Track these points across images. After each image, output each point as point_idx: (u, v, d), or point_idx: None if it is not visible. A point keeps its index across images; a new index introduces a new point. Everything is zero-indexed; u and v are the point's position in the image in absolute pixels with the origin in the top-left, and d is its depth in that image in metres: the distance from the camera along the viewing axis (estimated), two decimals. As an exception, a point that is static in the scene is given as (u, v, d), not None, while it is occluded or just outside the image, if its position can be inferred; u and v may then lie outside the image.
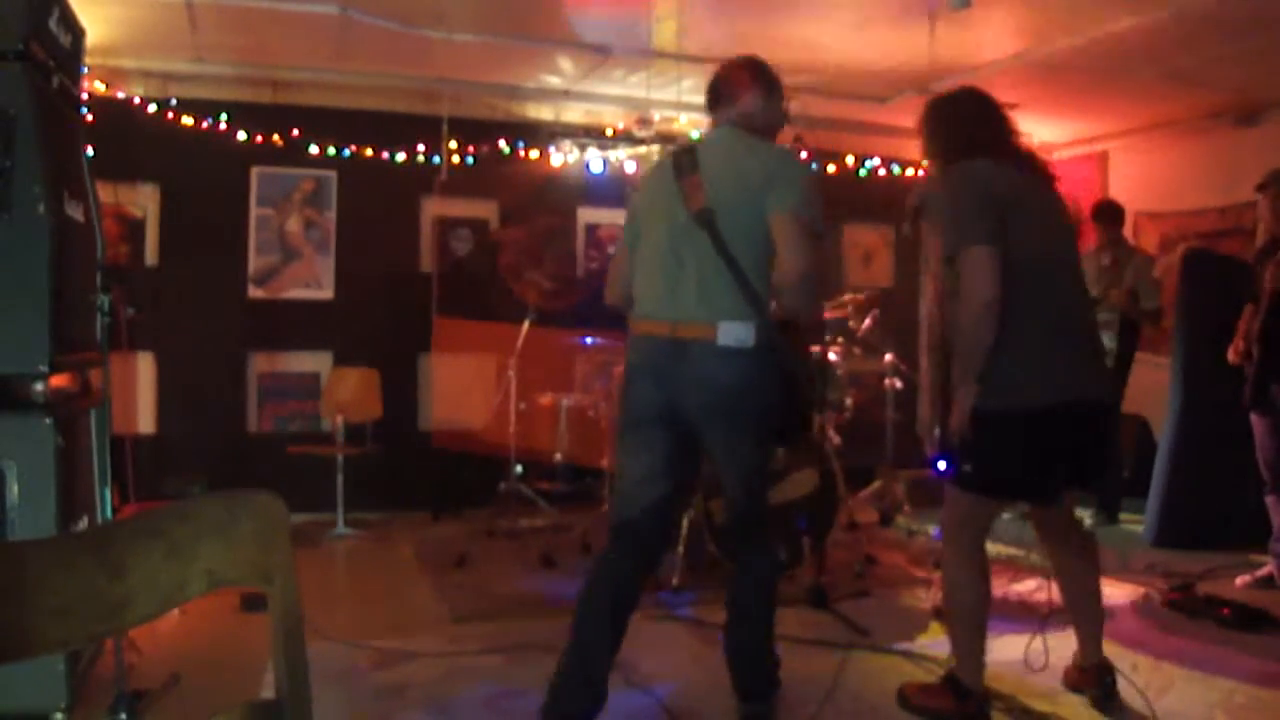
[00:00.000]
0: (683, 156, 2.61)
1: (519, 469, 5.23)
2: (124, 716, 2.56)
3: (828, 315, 5.15)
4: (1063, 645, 3.13)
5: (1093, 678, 2.84)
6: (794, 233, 2.45)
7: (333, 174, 5.77)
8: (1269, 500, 4.04)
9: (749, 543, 2.71)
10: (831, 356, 4.68)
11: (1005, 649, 3.19)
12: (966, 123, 2.77)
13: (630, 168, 6.08)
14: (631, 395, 2.64)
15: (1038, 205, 2.67)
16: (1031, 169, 2.75)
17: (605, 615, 2.55)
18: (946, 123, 2.82)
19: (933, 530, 5.30)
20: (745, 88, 2.67)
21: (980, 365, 2.54)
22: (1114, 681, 2.82)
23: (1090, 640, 2.86)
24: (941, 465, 6.73)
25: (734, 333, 2.45)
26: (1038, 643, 3.03)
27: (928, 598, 3.95)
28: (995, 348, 2.52)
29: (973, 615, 2.73)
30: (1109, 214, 5.34)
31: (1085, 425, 2.65)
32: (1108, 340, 5.13)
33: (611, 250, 6.45)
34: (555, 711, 2.51)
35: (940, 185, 2.73)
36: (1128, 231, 5.57)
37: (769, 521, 2.76)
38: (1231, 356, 4.17)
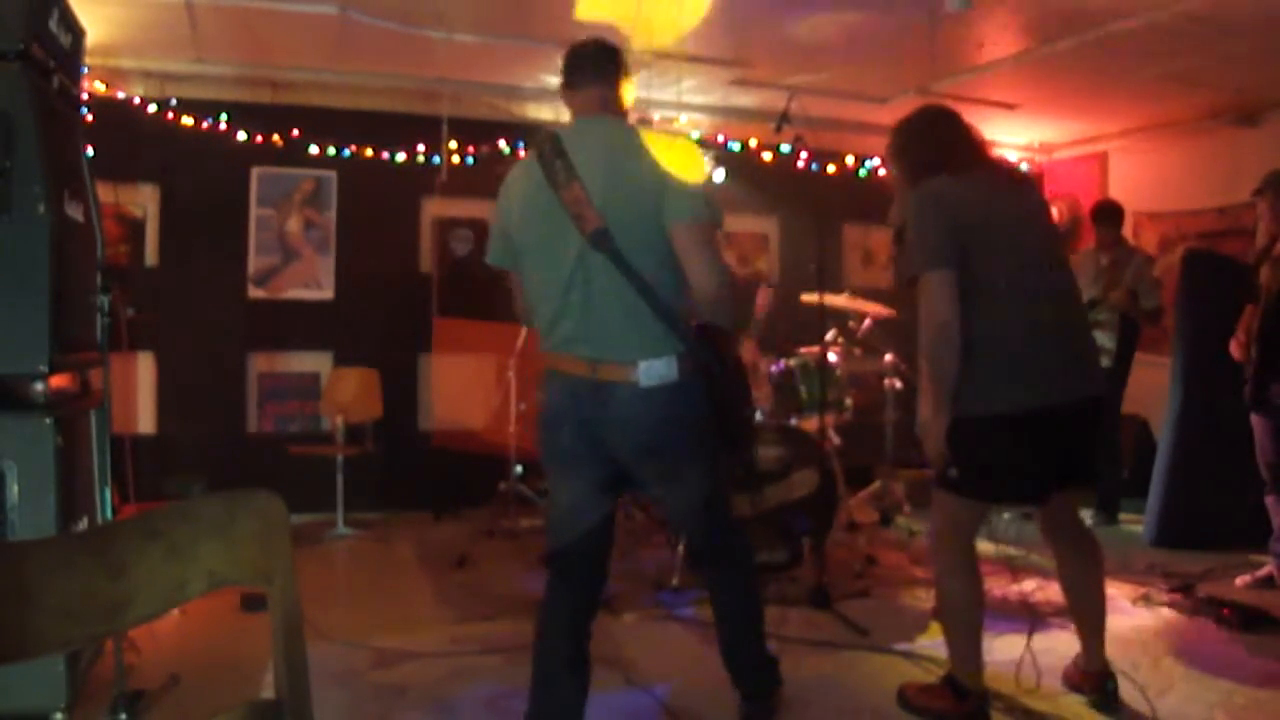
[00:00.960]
0: (552, 160, 2.28)
1: (519, 469, 5.23)
2: (124, 716, 2.57)
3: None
4: (1063, 645, 3.13)
5: (1095, 682, 2.84)
6: (698, 244, 2.26)
7: (333, 174, 5.76)
8: (1269, 500, 4.04)
9: (722, 560, 2.65)
10: (831, 357, 4.68)
11: (1005, 649, 3.19)
12: (926, 142, 2.77)
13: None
14: (553, 435, 2.42)
15: (1009, 213, 2.66)
16: (1000, 178, 2.76)
17: (560, 654, 2.44)
18: (907, 145, 2.81)
19: (933, 530, 5.31)
20: (618, 64, 2.43)
21: (947, 394, 2.56)
22: (1115, 687, 2.82)
23: (1093, 644, 2.85)
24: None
25: (656, 371, 2.28)
26: (1034, 643, 3.03)
27: (928, 598, 3.95)
28: (976, 354, 2.53)
29: (966, 617, 2.73)
30: (1108, 214, 5.34)
31: (1072, 427, 2.66)
32: (1107, 340, 5.14)
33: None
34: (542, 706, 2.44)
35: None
36: (1127, 231, 5.57)
37: (741, 527, 2.72)
38: (1234, 350, 4.17)
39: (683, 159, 2.31)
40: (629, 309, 2.26)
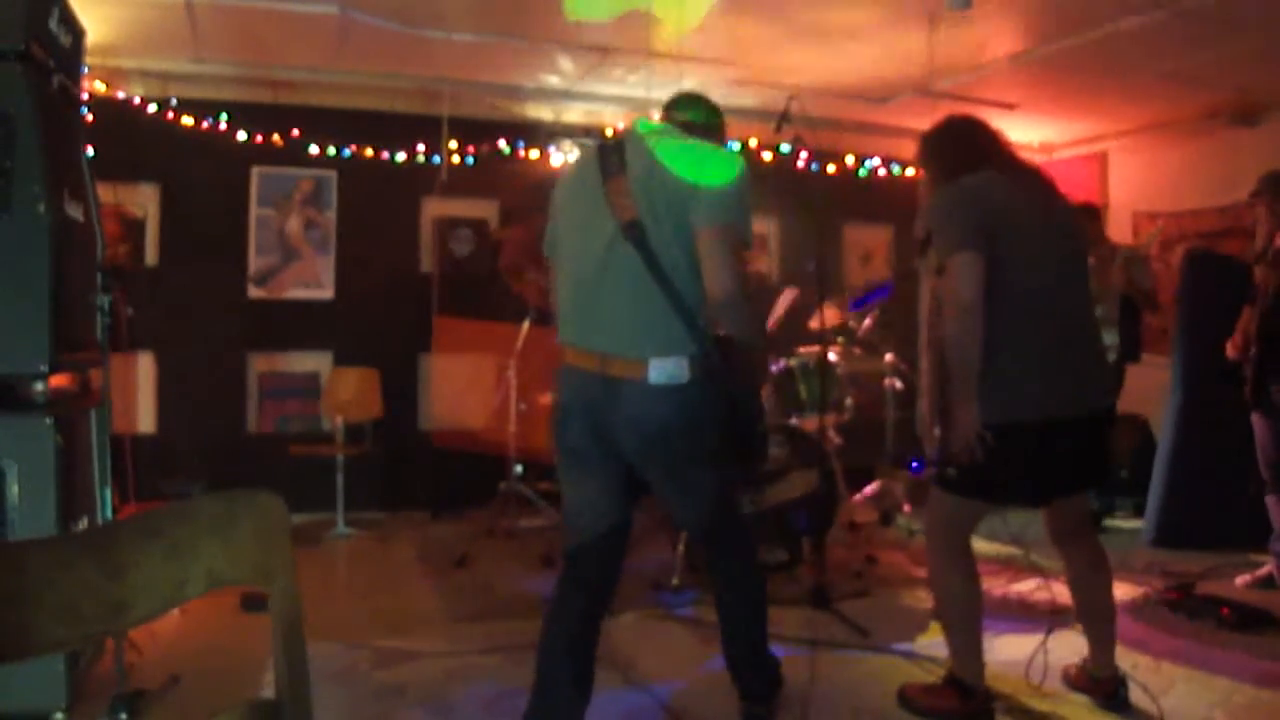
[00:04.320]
0: (610, 153, 2.37)
1: (519, 469, 5.23)
2: (124, 716, 2.57)
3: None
4: (1063, 645, 3.13)
5: (1107, 688, 2.84)
6: (717, 248, 2.27)
7: (333, 174, 5.76)
8: (1269, 500, 4.03)
9: (727, 560, 2.65)
10: (831, 356, 4.68)
11: (1005, 649, 3.19)
12: (958, 146, 2.78)
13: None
14: (565, 430, 2.44)
15: (1036, 217, 2.66)
16: (1031, 182, 2.75)
17: (564, 656, 2.43)
18: (940, 148, 2.83)
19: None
20: (704, 108, 2.66)
21: (974, 380, 2.51)
22: (1127, 693, 2.83)
23: (1102, 649, 2.85)
24: (915, 465, 6.72)
25: (665, 370, 2.27)
26: (1034, 643, 3.03)
27: (928, 598, 3.95)
28: (991, 359, 2.51)
29: (966, 616, 2.73)
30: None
31: (1084, 436, 2.65)
32: (1108, 338, 5.13)
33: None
34: (545, 700, 2.43)
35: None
36: (1128, 231, 5.57)
37: (747, 529, 2.71)
38: (1230, 351, 4.17)
39: (724, 169, 2.34)
40: (646, 305, 2.28)
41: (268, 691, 2.24)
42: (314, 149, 5.62)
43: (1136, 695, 2.85)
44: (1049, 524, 2.93)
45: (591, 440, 2.39)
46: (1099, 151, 6.79)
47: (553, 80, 5.72)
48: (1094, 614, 2.86)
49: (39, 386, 2.65)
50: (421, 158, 5.78)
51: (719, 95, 5.86)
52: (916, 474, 5.87)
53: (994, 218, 2.56)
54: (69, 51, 2.98)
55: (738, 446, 2.46)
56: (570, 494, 2.51)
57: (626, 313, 2.31)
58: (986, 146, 2.76)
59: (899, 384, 5.99)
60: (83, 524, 2.83)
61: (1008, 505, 2.80)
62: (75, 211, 2.88)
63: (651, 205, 2.29)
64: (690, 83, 5.51)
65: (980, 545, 2.83)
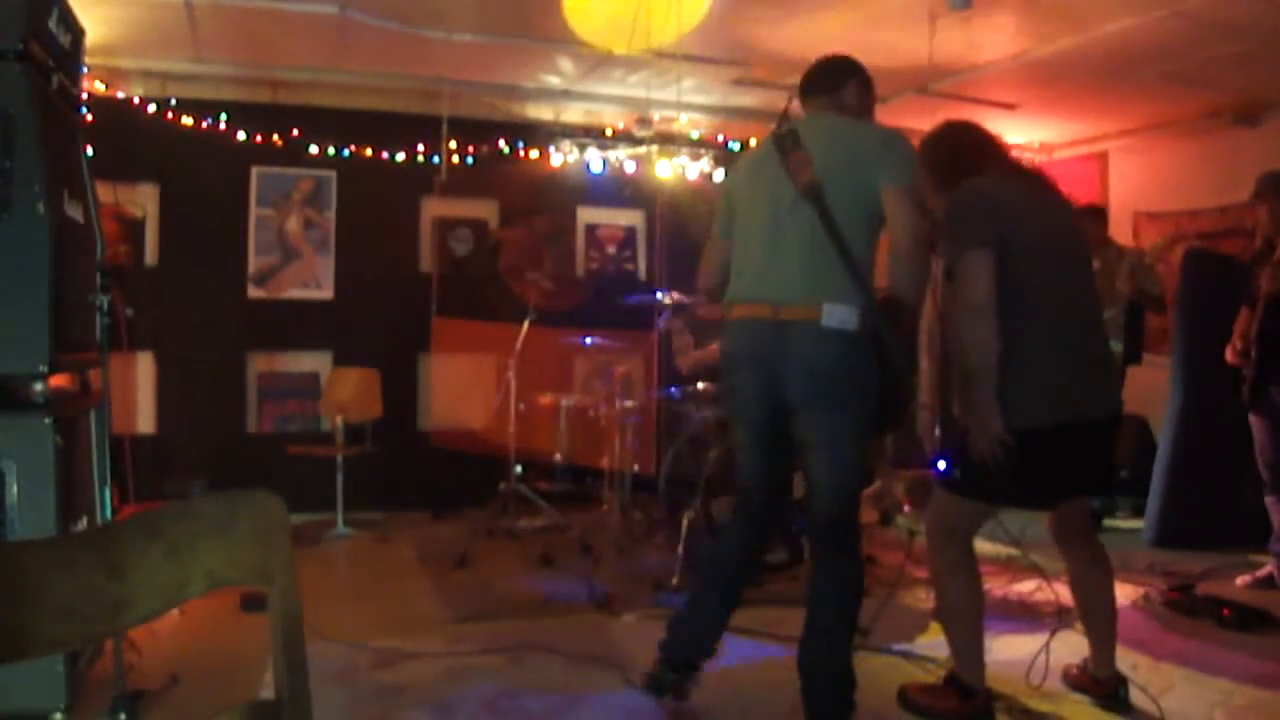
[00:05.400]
0: (785, 137, 2.58)
1: (519, 469, 5.23)
2: (123, 716, 2.56)
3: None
4: (1063, 645, 3.13)
5: (1107, 689, 2.84)
6: (908, 205, 2.45)
7: (332, 174, 5.76)
8: (1269, 500, 4.04)
9: (834, 544, 2.60)
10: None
11: (1005, 649, 3.19)
12: (963, 149, 2.79)
13: (630, 168, 6.08)
14: (733, 382, 2.66)
15: (1042, 219, 2.66)
16: (1033, 184, 2.75)
17: (718, 578, 2.78)
18: (939, 152, 2.82)
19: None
20: (844, 77, 2.72)
21: (993, 381, 2.50)
22: (1127, 693, 2.83)
23: (1103, 649, 2.85)
24: (941, 465, 6.73)
25: (838, 314, 2.42)
26: (1035, 643, 3.03)
27: (928, 598, 3.95)
28: (1002, 364, 2.49)
29: (967, 615, 2.73)
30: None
31: (1091, 441, 2.66)
32: (1114, 344, 5.12)
33: (611, 250, 6.46)
34: (669, 650, 2.78)
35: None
36: (1129, 231, 5.57)
37: (860, 533, 2.68)
38: (1229, 356, 4.17)
39: (906, 145, 2.55)
40: (821, 256, 2.44)
41: (268, 691, 2.24)
42: (314, 149, 5.62)
43: (1136, 695, 2.85)
44: (1052, 524, 2.93)
45: (757, 387, 2.57)
46: (1099, 151, 6.79)
47: (553, 80, 5.73)
48: (1095, 614, 2.85)
49: (39, 386, 2.65)
50: (421, 158, 5.78)
51: (719, 95, 5.93)
52: (942, 475, 5.89)
53: (1003, 219, 2.56)
54: (68, 51, 2.98)
55: (885, 402, 2.53)
56: (737, 438, 2.77)
57: (801, 264, 2.48)
58: (985, 151, 2.77)
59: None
60: (83, 524, 2.83)
61: (1011, 506, 2.79)
62: (75, 211, 2.87)
63: (829, 171, 2.47)
64: (690, 83, 5.53)
65: (980, 545, 2.82)
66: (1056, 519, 2.90)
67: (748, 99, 5.89)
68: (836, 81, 2.72)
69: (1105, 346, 2.81)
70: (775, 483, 2.78)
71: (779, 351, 2.48)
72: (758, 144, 2.85)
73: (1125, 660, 2.89)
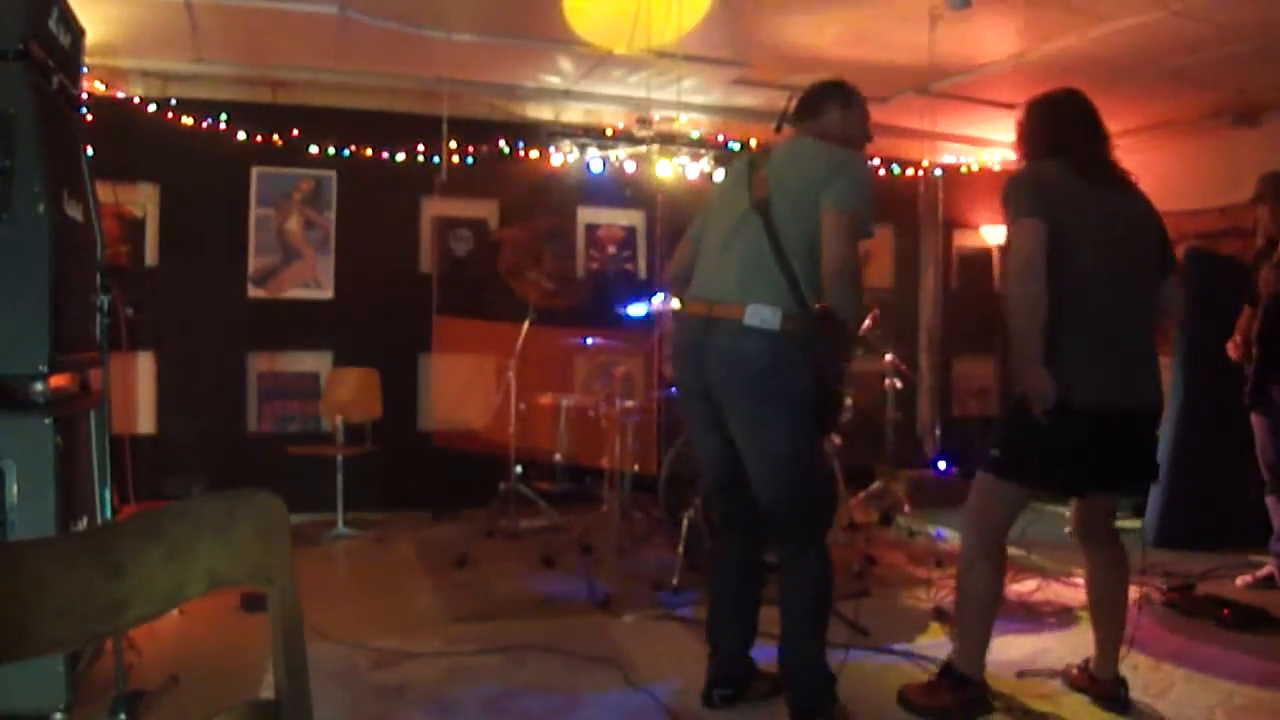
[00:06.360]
0: (758, 155, 2.83)
1: (519, 469, 5.23)
2: (123, 716, 2.56)
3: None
4: (1063, 645, 3.13)
5: (1108, 689, 2.84)
6: (839, 228, 2.57)
7: (332, 174, 5.76)
8: (1269, 500, 4.04)
9: (791, 542, 2.69)
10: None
11: (1006, 649, 3.19)
12: (1053, 127, 2.83)
13: (630, 168, 6.08)
14: (676, 372, 2.88)
15: (1103, 214, 2.68)
16: (1109, 180, 2.77)
17: (728, 574, 2.89)
18: (1036, 125, 2.87)
19: (933, 530, 5.31)
20: (825, 101, 2.87)
21: (1039, 343, 2.54)
22: (1127, 693, 2.84)
23: (1108, 649, 2.85)
24: (941, 465, 6.73)
25: (761, 314, 2.56)
26: (1035, 643, 3.03)
27: (928, 598, 3.95)
28: (1047, 342, 2.54)
29: (984, 606, 2.75)
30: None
31: (1131, 431, 2.68)
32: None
33: (611, 250, 6.47)
34: (711, 637, 2.89)
35: None
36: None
37: (822, 522, 2.75)
38: (1231, 351, 4.17)
39: (855, 169, 2.68)
40: (758, 265, 2.62)
41: (268, 691, 2.24)
42: (314, 149, 5.62)
43: (1136, 695, 2.85)
44: (1076, 520, 2.95)
45: (691, 378, 2.74)
46: (1099, 151, 6.78)
47: (553, 80, 5.73)
48: (1106, 615, 2.86)
49: (39, 386, 2.64)
50: (421, 158, 5.78)
51: (719, 95, 5.93)
52: (944, 475, 5.89)
53: (1058, 202, 2.60)
54: (69, 51, 2.98)
55: (815, 407, 2.64)
56: (691, 436, 2.97)
57: (739, 270, 2.66)
58: (1068, 134, 2.79)
59: (899, 384, 5.99)
60: (82, 524, 2.83)
61: (1045, 490, 2.80)
62: (75, 211, 2.87)
63: (783, 187, 2.66)
64: (690, 83, 5.53)
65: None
66: (1081, 517, 2.92)
67: (748, 99, 5.89)
68: (817, 106, 2.87)
69: (1147, 345, 2.80)
70: (729, 478, 2.77)
71: (704, 342, 2.65)
72: (738, 159, 3.04)
73: (1125, 660, 2.89)
